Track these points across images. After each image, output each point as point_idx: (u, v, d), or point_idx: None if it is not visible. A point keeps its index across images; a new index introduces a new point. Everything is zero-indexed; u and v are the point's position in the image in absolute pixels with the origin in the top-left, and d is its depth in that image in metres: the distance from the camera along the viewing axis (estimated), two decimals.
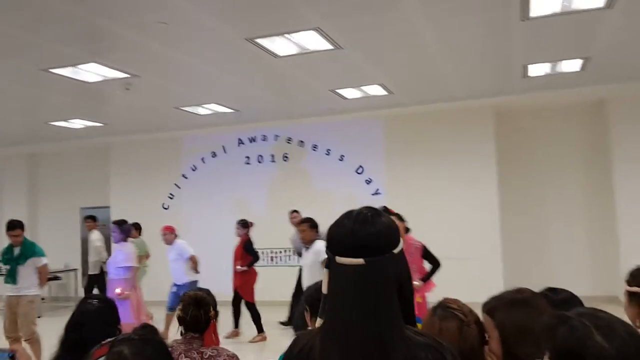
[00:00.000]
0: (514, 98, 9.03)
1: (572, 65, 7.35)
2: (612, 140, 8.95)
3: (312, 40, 5.87)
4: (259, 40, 5.79)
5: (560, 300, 2.10)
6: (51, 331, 6.21)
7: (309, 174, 10.48)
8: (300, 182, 10.52)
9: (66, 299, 12.31)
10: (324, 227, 9.25)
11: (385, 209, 8.21)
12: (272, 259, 10.30)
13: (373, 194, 10.01)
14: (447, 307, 2.04)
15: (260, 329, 7.65)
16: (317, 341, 1.29)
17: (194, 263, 7.76)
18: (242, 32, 5.54)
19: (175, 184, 11.50)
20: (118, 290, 6.22)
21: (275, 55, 6.28)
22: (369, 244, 1.25)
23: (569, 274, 9.32)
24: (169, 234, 7.75)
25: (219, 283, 8.62)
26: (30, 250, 6.17)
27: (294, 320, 5.60)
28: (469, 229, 9.32)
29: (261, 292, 8.11)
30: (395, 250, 1.28)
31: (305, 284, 5.70)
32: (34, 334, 6.09)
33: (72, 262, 12.33)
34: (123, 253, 6.46)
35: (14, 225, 6.12)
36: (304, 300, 2.68)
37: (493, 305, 2.01)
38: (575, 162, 9.50)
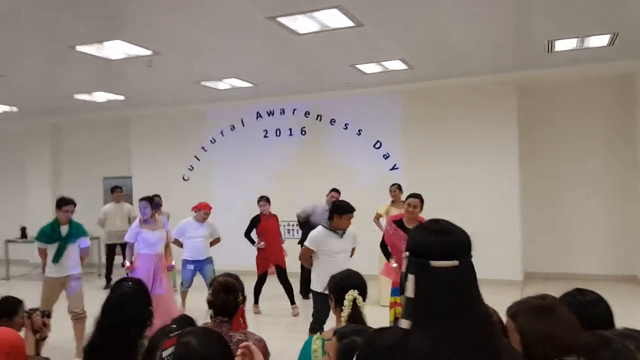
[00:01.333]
0: (537, 73, 8.88)
1: (599, 41, 7.20)
2: (637, 114, 8.80)
3: (333, 18, 5.83)
4: (281, 19, 5.77)
5: (586, 302, 2.16)
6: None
7: (326, 148, 10.51)
8: (318, 156, 10.57)
9: (89, 266, 12.62)
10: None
11: (399, 187, 8.27)
12: (288, 232, 10.43)
13: (391, 169, 10.05)
14: None
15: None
16: (406, 342, 1.36)
17: (217, 242, 7.97)
18: (264, 11, 5.53)
19: (195, 156, 11.64)
20: (173, 263, 6.68)
21: (296, 33, 6.26)
22: (462, 250, 1.42)
23: (589, 252, 9.34)
24: (209, 213, 7.81)
25: (236, 256, 8.85)
26: (80, 230, 6.08)
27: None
28: (487, 205, 9.30)
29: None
30: (472, 254, 1.45)
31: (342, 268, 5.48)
32: (85, 311, 5.95)
33: (95, 230, 12.61)
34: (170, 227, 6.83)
35: (69, 201, 5.90)
36: (328, 290, 2.79)
37: (516, 310, 2.11)
38: (600, 138, 9.37)
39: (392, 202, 8.33)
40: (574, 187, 9.50)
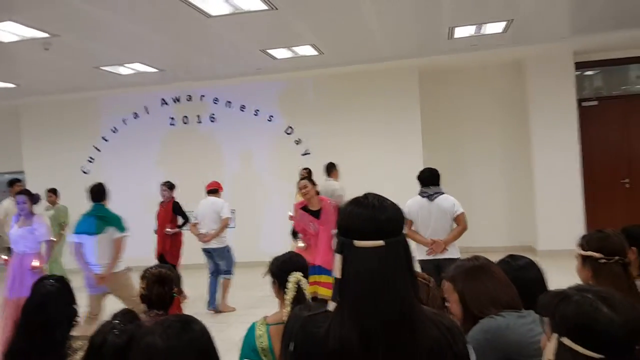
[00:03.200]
0: (439, 58, 9.31)
1: (495, 28, 7.65)
2: (529, 98, 9.51)
3: (246, 0, 5.72)
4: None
5: (519, 266, 2.31)
6: None
7: (237, 135, 10.34)
8: (229, 143, 10.38)
9: None
10: (248, 188, 9.21)
11: (309, 172, 8.32)
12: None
13: (303, 154, 10.08)
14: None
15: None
16: (332, 323, 1.33)
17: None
18: None
19: (95, 147, 10.98)
20: (36, 264, 5.69)
21: (207, 15, 6.06)
22: (388, 227, 1.34)
23: (489, 225, 9.96)
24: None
25: (145, 249, 8.40)
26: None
27: None
28: (394, 184, 9.57)
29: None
30: (404, 231, 1.38)
31: None
32: None
33: None
34: (44, 226, 5.91)
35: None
36: (270, 273, 2.74)
37: (453, 274, 2.24)
38: (497, 119, 10.01)
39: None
40: (474, 166, 10.10)
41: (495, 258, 2.44)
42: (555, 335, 1.37)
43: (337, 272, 1.35)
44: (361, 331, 1.28)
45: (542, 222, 9.40)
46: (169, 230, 7.47)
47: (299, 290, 2.60)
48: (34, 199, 6.00)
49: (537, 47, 9.02)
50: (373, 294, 1.30)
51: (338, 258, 1.35)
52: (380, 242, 1.31)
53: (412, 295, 1.34)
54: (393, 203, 1.40)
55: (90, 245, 5.59)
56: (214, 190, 7.48)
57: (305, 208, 5.70)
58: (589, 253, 2.33)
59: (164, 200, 7.65)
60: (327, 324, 1.34)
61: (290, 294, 2.57)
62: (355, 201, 1.40)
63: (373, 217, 1.34)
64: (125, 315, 2.00)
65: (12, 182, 9.47)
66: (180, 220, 7.64)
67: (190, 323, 1.54)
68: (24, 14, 5.67)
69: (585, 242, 2.39)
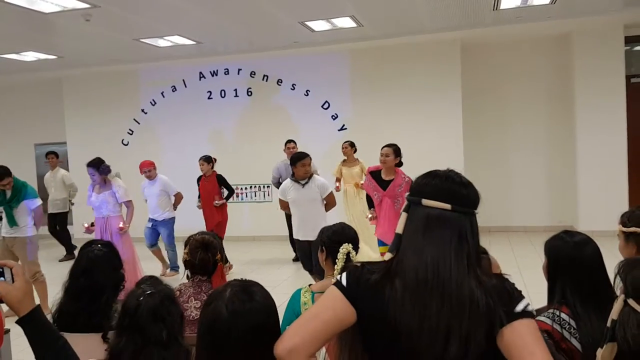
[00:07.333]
0: (482, 31, 9.02)
1: None
2: (575, 73, 9.15)
3: None
4: None
5: (574, 242, 2.21)
6: None
7: (273, 109, 10.31)
8: (265, 117, 10.36)
9: None
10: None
11: (351, 144, 8.22)
12: (237, 195, 10.21)
13: (339, 130, 10.01)
14: None
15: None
16: (386, 274, 1.37)
17: (178, 200, 7.67)
18: None
19: (134, 119, 11.13)
20: (121, 225, 6.31)
21: None
22: (462, 199, 1.38)
23: (529, 204, 9.77)
24: (153, 170, 7.52)
25: (186, 221, 8.55)
26: (23, 192, 5.83)
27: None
28: (433, 162, 9.35)
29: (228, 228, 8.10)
30: (476, 213, 1.40)
31: (303, 218, 5.48)
32: (36, 274, 5.88)
33: None
34: (122, 189, 6.43)
35: (1, 176, 5.67)
36: (320, 242, 2.72)
37: None
38: (539, 94, 9.70)
39: (344, 160, 8.29)
40: (515, 144, 9.85)
41: (537, 237, 2.39)
42: (622, 296, 1.44)
43: (399, 229, 1.40)
44: (414, 286, 1.32)
45: (584, 202, 9.13)
46: (217, 202, 7.66)
47: (349, 261, 2.59)
48: (101, 169, 6.34)
49: (585, 20, 8.64)
50: (428, 250, 1.33)
51: (404, 216, 1.40)
52: (447, 205, 1.35)
53: (465, 258, 1.34)
54: (475, 189, 1.43)
55: None
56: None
57: (375, 175, 5.44)
58: (632, 229, 2.36)
59: (205, 174, 7.73)
60: (382, 270, 1.39)
61: (339, 264, 2.56)
62: (435, 174, 1.44)
63: (450, 188, 1.39)
64: (152, 279, 2.04)
65: (47, 155, 9.87)
66: (224, 192, 7.82)
67: (254, 288, 1.52)
68: None
69: (627, 219, 2.42)
